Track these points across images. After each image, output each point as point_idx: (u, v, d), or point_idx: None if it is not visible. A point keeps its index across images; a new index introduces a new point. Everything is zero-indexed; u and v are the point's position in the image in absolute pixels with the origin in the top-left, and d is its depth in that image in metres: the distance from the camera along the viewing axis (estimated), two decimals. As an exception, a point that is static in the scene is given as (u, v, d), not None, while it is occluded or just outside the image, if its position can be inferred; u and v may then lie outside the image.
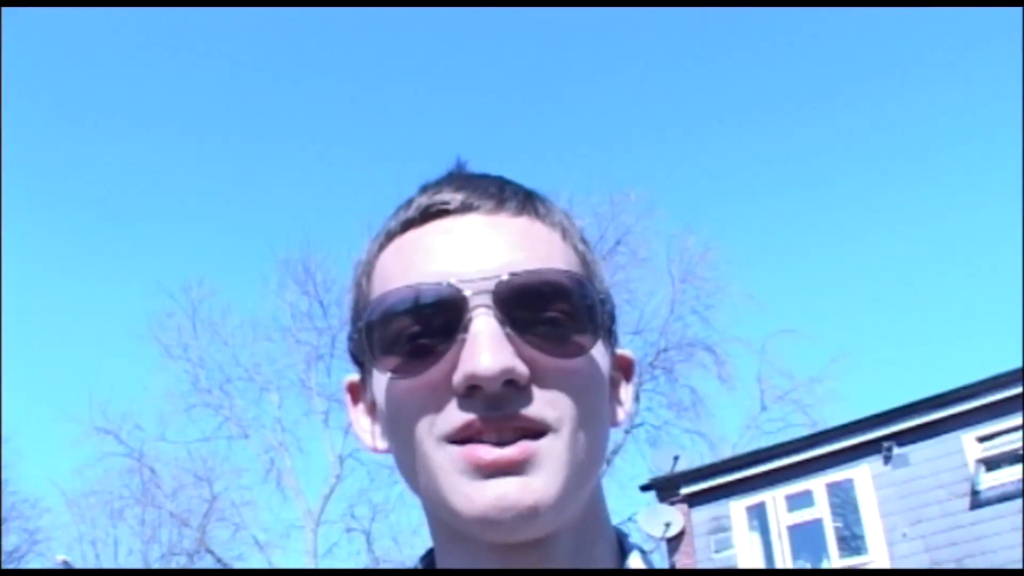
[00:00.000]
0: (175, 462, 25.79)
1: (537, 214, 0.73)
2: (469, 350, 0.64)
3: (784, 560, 12.62)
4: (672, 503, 13.90)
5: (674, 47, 33.40)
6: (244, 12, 32.89)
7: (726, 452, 19.18)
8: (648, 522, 14.00)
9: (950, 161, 31.43)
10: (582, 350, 0.67)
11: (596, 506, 0.73)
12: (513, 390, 0.65)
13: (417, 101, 35.00)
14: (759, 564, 12.92)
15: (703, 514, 13.64)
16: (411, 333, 0.67)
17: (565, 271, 0.69)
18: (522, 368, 0.64)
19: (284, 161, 35.63)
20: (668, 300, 24.05)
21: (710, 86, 33.20)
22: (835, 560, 12.01)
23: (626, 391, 0.78)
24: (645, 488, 14.60)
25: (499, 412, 0.64)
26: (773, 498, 12.83)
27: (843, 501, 12.38)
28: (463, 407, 0.65)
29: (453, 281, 0.66)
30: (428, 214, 0.73)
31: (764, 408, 23.19)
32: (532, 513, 0.63)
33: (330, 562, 24.34)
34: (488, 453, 0.64)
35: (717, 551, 13.31)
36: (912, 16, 28.84)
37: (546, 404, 0.66)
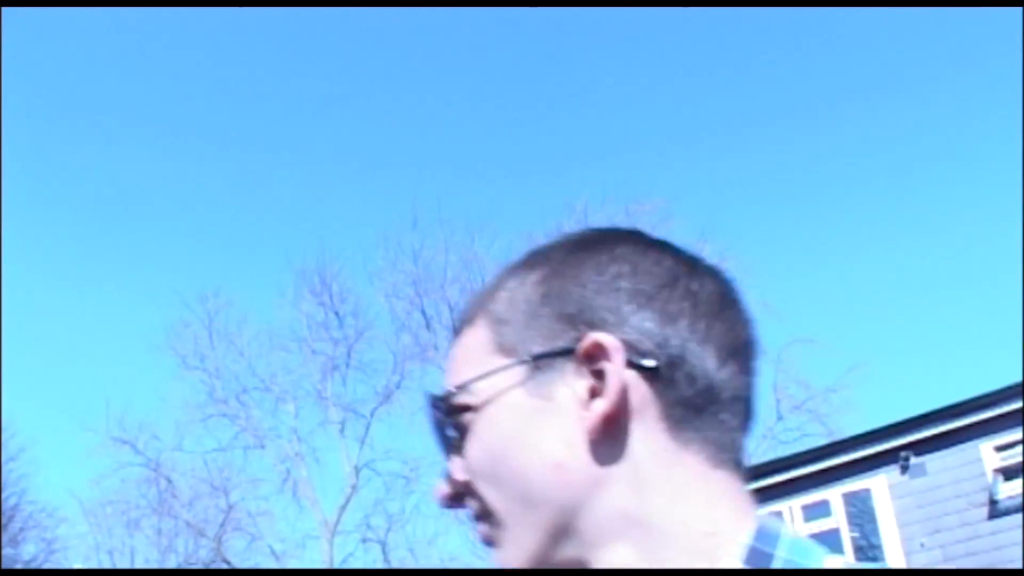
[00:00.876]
0: (192, 472, 25.91)
1: (466, 322, 0.83)
2: None
3: (801, 570, 12.55)
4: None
5: (689, 56, 33.42)
6: (265, 26, 33.09)
7: (742, 462, 19.08)
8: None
9: (967, 168, 31.36)
10: (466, 442, 0.78)
11: (639, 519, 0.71)
12: (468, 497, 0.78)
13: (433, 113, 35.14)
14: (776, 574, 12.85)
15: (719, 524, 13.58)
16: None
17: (432, 396, 0.80)
18: (447, 488, 0.79)
19: (300, 172, 35.82)
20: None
21: (726, 95, 33.21)
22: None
23: (588, 385, 0.74)
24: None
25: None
26: (790, 508, 12.78)
27: (860, 511, 12.33)
28: None
29: None
30: None
31: (780, 418, 23.11)
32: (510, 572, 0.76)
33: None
34: None
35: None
36: (923, 19, 28.76)
37: (475, 499, 0.77)
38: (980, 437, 11.41)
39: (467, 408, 0.77)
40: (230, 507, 25.48)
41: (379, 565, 24.44)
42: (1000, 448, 11.30)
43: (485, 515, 0.77)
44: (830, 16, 29.05)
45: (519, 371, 0.76)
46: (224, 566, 25.25)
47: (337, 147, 35.20)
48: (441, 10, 28.86)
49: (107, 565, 26.33)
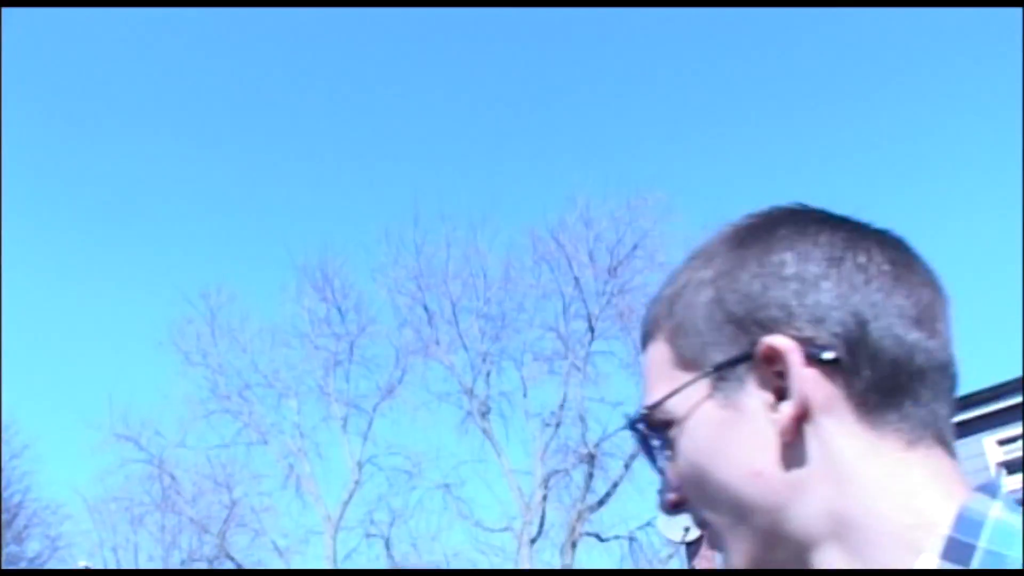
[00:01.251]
0: (195, 468, 25.91)
1: (648, 336, 0.83)
2: None
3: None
4: (691, 507, 13.84)
5: (691, 50, 33.38)
6: (265, 21, 33.06)
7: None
8: (667, 527, 13.96)
9: (967, 166, 31.32)
10: (667, 463, 0.79)
11: (843, 525, 0.69)
12: (687, 507, 0.79)
13: (433, 107, 35.08)
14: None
15: (722, 518, 13.58)
16: None
17: (631, 418, 0.81)
18: (668, 501, 0.79)
19: (302, 168, 35.80)
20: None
21: (727, 89, 33.17)
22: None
23: (772, 388, 0.72)
24: (664, 492, 14.55)
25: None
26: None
27: None
28: None
29: None
30: None
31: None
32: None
33: (349, 567, 24.34)
34: None
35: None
36: (923, 19, 28.72)
37: (692, 512, 0.79)
38: (983, 431, 11.38)
39: (668, 424, 0.78)
40: (233, 503, 25.49)
41: (382, 561, 24.47)
42: (1003, 442, 11.28)
43: (704, 524, 0.78)
44: (829, 15, 29.03)
45: (704, 384, 0.76)
46: (228, 562, 25.29)
47: (338, 142, 35.20)
48: (441, 6, 28.79)
49: (111, 562, 26.37)
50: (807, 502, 0.70)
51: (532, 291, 25.08)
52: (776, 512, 0.71)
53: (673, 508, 0.79)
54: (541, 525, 23.26)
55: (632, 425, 0.81)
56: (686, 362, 0.77)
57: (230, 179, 36.16)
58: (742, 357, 0.74)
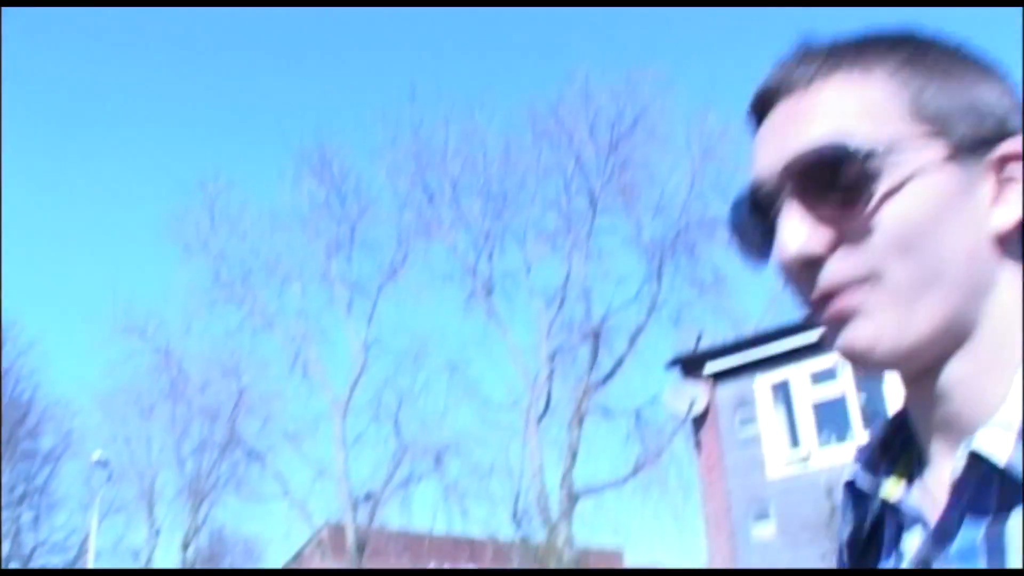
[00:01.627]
0: (202, 357, 26.10)
1: (824, 74, 0.77)
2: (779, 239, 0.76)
3: (809, 435, 12.63)
4: (697, 380, 13.89)
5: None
6: None
7: (749, 330, 19.10)
8: (673, 399, 14.04)
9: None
10: (866, 198, 0.73)
11: (996, 331, 0.74)
12: (821, 260, 0.74)
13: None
14: (784, 440, 12.95)
15: (728, 391, 13.65)
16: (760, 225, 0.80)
17: (814, 149, 0.74)
18: (809, 247, 0.74)
19: (298, 51, 35.10)
20: (688, 178, 23.77)
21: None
22: (859, 435, 12.00)
23: (994, 186, 0.75)
24: (670, 365, 14.58)
25: (819, 282, 0.74)
26: (797, 374, 12.78)
27: (867, 376, 12.29)
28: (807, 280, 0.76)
29: (762, 175, 0.78)
30: (755, 109, 0.83)
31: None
32: (865, 357, 0.73)
33: (359, 449, 24.72)
34: (827, 309, 0.74)
35: (742, 426, 13.34)
36: (922, 19, 27.70)
37: (852, 260, 0.73)
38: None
39: (869, 173, 0.73)
40: (241, 390, 25.75)
41: (391, 442, 24.79)
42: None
43: (861, 280, 0.73)
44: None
45: (945, 147, 0.74)
46: (238, 449, 25.65)
47: (333, 23, 34.44)
48: None
49: (124, 453, 26.75)
50: (990, 299, 0.73)
51: (533, 168, 24.82)
52: (971, 297, 0.73)
53: (807, 254, 0.74)
54: (548, 402, 23.49)
55: (836, 154, 0.73)
56: (929, 119, 0.74)
57: (226, 64, 35.52)
58: (992, 140, 0.74)
